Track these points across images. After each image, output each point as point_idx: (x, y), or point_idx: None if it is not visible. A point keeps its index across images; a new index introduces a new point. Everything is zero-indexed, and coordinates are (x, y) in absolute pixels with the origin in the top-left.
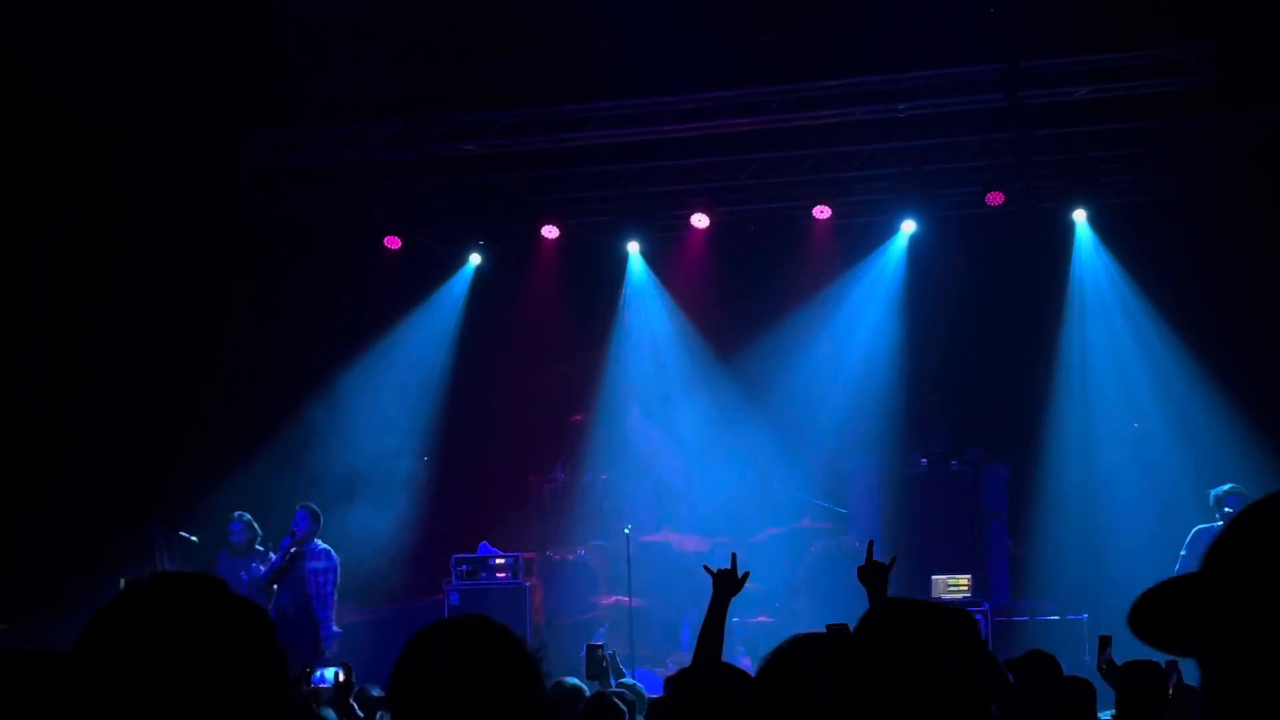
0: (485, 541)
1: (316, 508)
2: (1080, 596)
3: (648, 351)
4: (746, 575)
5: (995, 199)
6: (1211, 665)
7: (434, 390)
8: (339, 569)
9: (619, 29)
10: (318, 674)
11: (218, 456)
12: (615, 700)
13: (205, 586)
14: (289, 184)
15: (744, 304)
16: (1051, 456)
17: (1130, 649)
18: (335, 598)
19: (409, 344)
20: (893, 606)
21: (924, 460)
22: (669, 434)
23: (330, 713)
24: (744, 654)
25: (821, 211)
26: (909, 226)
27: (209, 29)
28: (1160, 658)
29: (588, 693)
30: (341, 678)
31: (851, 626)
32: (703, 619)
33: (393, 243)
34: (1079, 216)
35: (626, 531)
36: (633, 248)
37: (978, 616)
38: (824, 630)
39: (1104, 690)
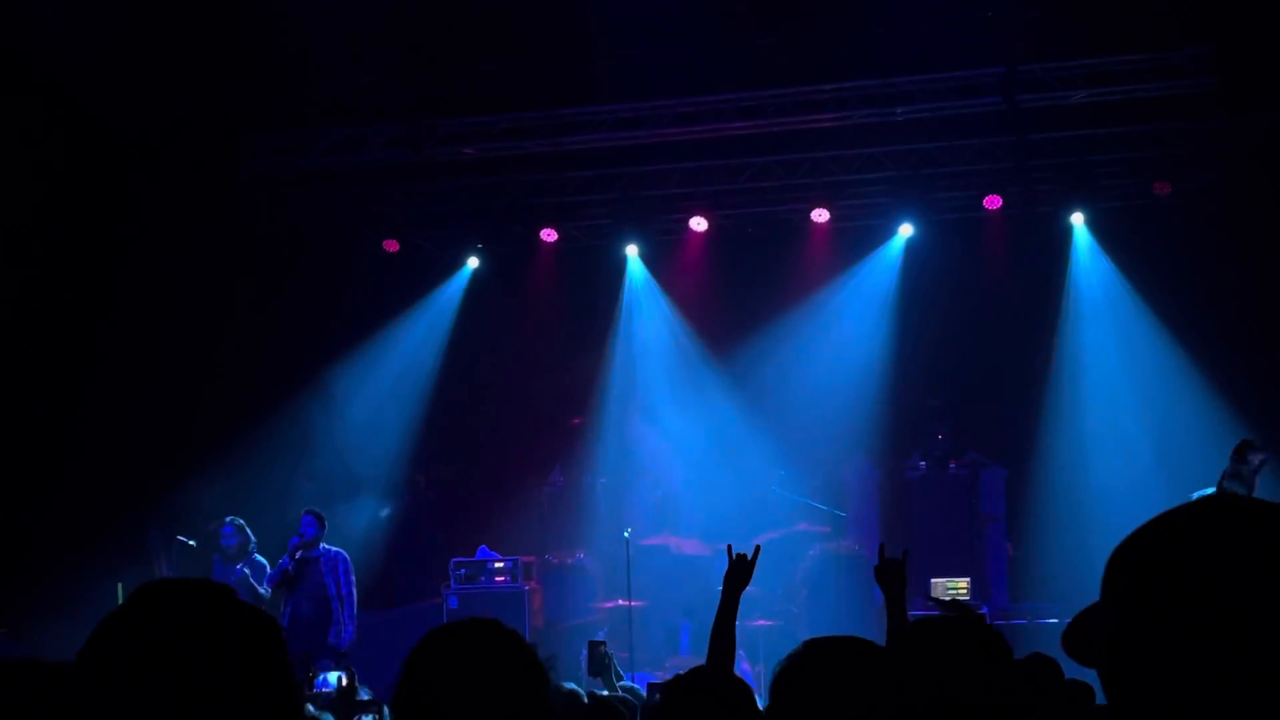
0: (484, 545)
1: (322, 513)
2: (1079, 599)
3: (646, 355)
4: (753, 564)
5: (993, 202)
6: (1104, 682)
7: (432, 394)
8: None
9: (618, 32)
10: (320, 678)
11: (215, 460)
12: (618, 705)
13: (212, 593)
14: (288, 187)
15: (742, 307)
16: (1049, 459)
17: None
18: (355, 598)
19: (407, 347)
20: (930, 623)
21: (922, 463)
22: (668, 437)
23: (329, 717)
24: (744, 658)
25: (820, 215)
26: (906, 230)
27: (209, 32)
28: None
29: (585, 698)
30: (344, 682)
31: (851, 629)
32: (695, 622)
33: (391, 246)
34: (1077, 220)
35: (626, 535)
36: (631, 251)
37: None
38: (826, 634)
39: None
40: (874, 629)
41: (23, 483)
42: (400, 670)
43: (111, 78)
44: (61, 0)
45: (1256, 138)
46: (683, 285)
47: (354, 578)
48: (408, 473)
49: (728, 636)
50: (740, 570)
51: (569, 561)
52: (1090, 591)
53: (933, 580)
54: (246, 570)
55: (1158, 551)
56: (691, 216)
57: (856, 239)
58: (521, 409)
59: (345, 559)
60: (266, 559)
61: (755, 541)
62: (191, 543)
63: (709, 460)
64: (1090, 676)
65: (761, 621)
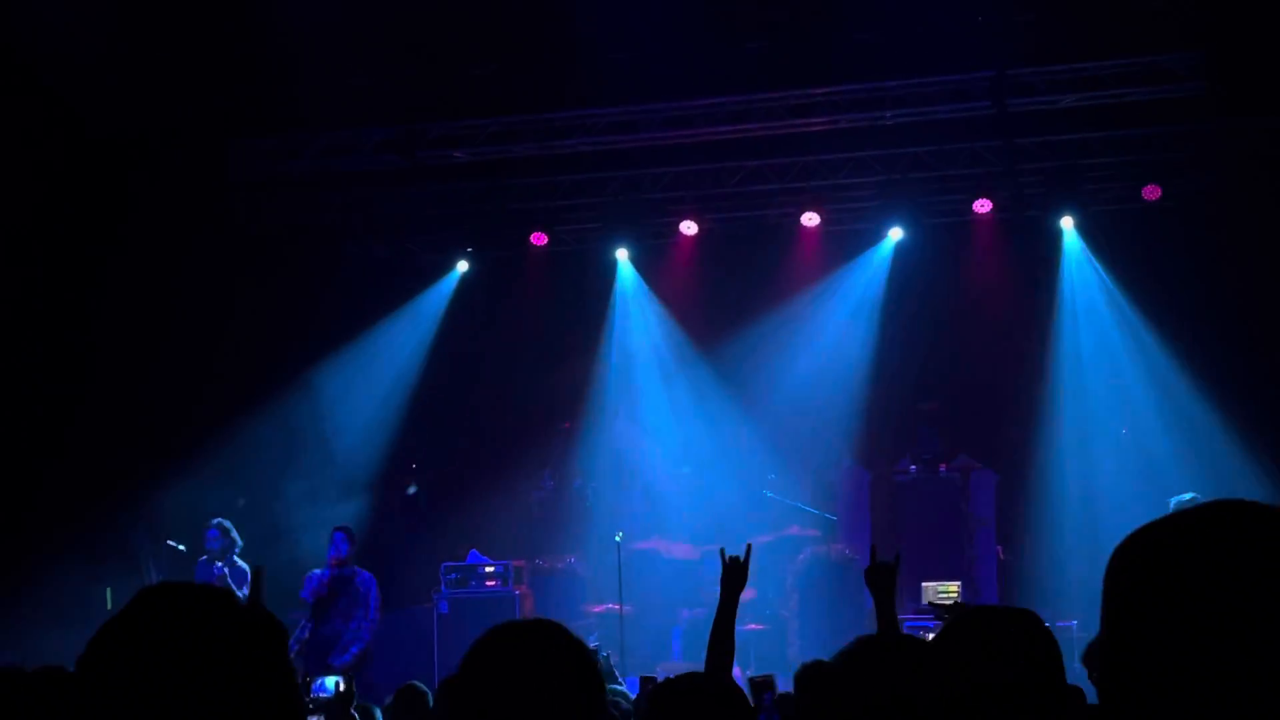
0: (475, 549)
1: (352, 528)
2: (1069, 603)
3: (637, 359)
4: (748, 564)
5: (983, 206)
6: (1100, 683)
7: (422, 398)
8: None
9: (607, 36)
10: (317, 683)
11: (204, 463)
12: (611, 709)
13: (213, 597)
14: (278, 191)
15: (732, 311)
16: (1039, 463)
17: None
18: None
19: (396, 351)
20: (976, 613)
21: (913, 467)
22: (658, 441)
23: None
24: (734, 662)
25: (810, 219)
26: (896, 234)
27: (201, 35)
28: None
29: None
30: (342, 688)
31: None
32: (687, 626)
33: (379, 250)
34: (1066, 224)
35: (618, 539)
36: (621, 255)
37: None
38: (817, 637)
39: (1095, 698)
40: (866, 632)
41: (10, 486)
42: (460, 665)
43: (104, 81)
44: (56, 4)
45: (1246, 143)
46: (673, 289)
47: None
48: (397, 476)
49: (727, 640)
50: (736, 572)
51: (560, 566)
52: (1079, 594)
53: (923, 584)
54: (226, 571)
55: (1157, 553)
56: (682, 220)
57: (846, 243)
58: (512, 413)
59: (375, 584)
60: (248, 564)
61: (746, 543)
62: (181, 547)
63: (699, 464)
64: (1081, 681)
65: (753, 625)
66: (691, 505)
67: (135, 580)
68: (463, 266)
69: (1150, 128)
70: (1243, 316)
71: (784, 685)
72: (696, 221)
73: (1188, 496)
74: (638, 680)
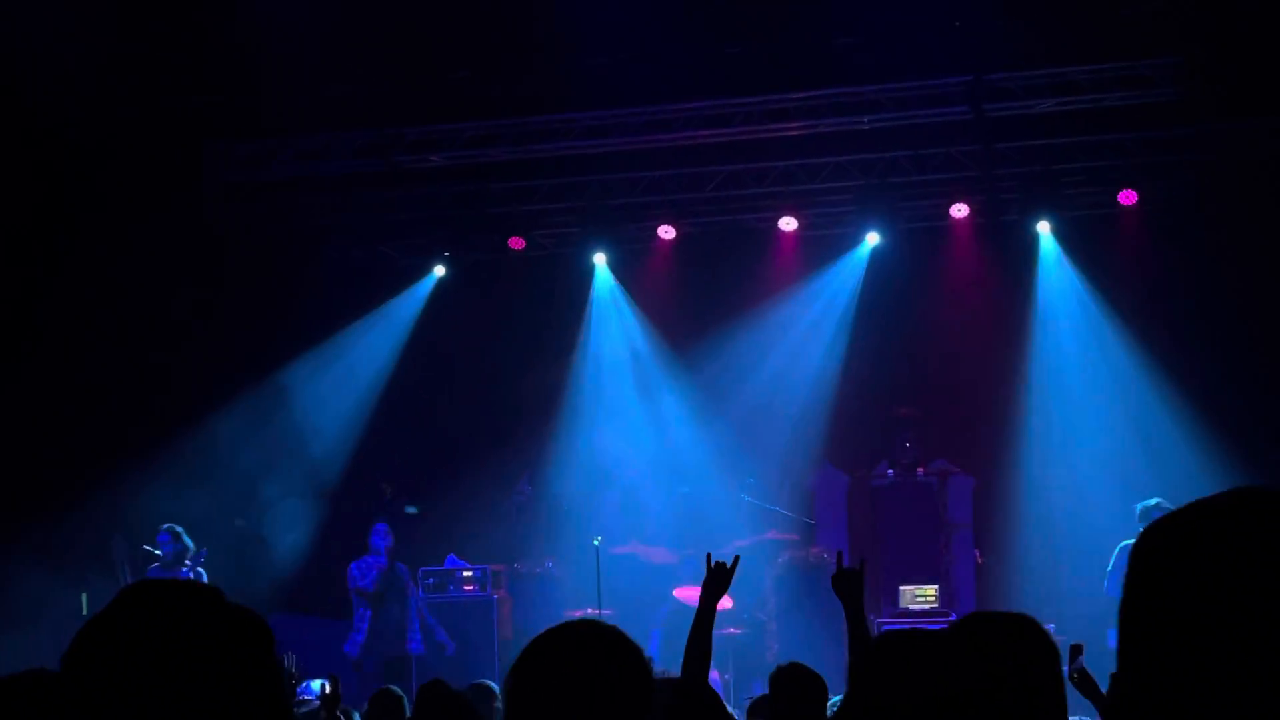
0: (452, 554)
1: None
2: (1046, 606)
3: (614, 363)
4: (733, 573)
5: (960, 211)
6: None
7: (399, 401)
8: None
9: (585, 41)
10: (303, 685)
11: (180, 468)
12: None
13: (200, 593)
14: (255, 196)
15: (710, 315)
16: (1016, 467)
17: (1100, 658)
18: None
19: (372, 356)
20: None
21: (890, 471)
22: (636, 445)
23: None
24: (712, 667)
25: (787, 223)
26: (874, 238)
27: (177, 39)
28: None
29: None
30: (328, 690)
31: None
32: (665, 630)
33: (357, 256)
34: (1043, 229)
35: (596, 543)
36: (599, 259)
37: (943, 626)
38: (796, 642)
39: (1074, 698)
40: (843, 637)
41: None
42: (514, 665)
43: (79, 84)
44: (30, 5)
45: (1220, 148)
46: (651, 293)
47: None
48: (374, 481)
49: (704, 645)
50: (719, 578)
51: (538, 570)
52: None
53: (901, 588)
54: (191, 578)
55: (1184, 539)
56: (659, 225)
57: (824, 247)
58: (489, 417)
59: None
60: (206, 569)
61: (727, 549)
62: (158, 551)
63: (677, 468)
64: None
65: (731, 630)
66: (670, 509)
67: (111, 585)
68: (440, 270)
69: (1126, 133)
70: (1218, 321)
71: (760, 688)
72: (674, 226)
73: (1153, 502)
74: None
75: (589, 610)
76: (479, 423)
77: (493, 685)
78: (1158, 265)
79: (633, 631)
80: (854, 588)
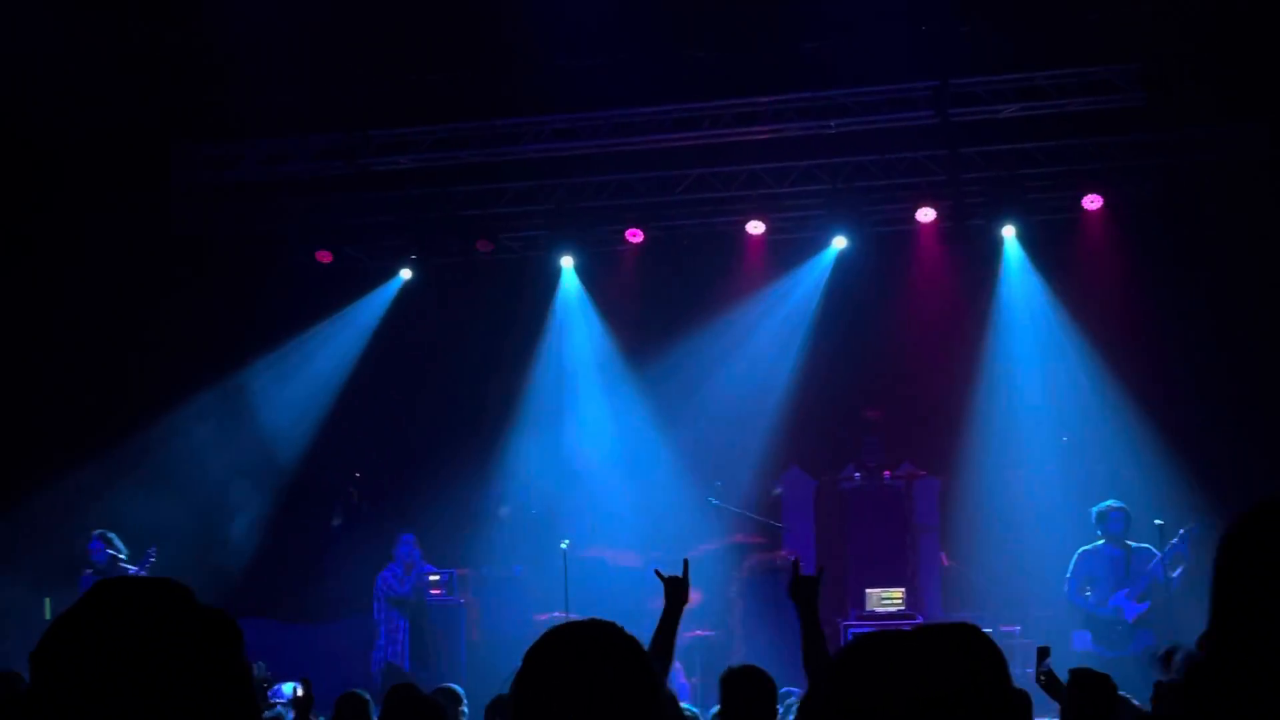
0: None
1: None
2: (1012, 609)
3: (582, 366)
4: (687, 578)
5: (926, 215)
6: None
7: (364, 406)
8: None
9: (554, 44)
10: (274, 688)
11: (142, 473)
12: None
13: (173, 592)
14: (222, 197)
15: (678, 318)
16: (981, 470)
17: (1067, 661)
18: None
19: (340, 359)
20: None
21: (857, 475)
22: (603, 449)
23: None
24: (680, 671)
25: (755, 227)
26: (840, 242)
27: (143, 41)
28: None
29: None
30: (300, 692)
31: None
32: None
33: (324, 257)
34: (1008, 233)
35: (564, 546)
36: (567, 262)
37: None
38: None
39: (1040, 700)
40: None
41: None
42: (519, 668)
43: (46, 84)
44: None
45: (1183, 153)
46: (618, 296)
47: None
48: (340, 485)
49: (667, 648)
50: (677, 588)
51: (505, 574)
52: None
53: (867, 591)
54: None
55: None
56: (628, 228)
57: (791, 251)
58: (456, 420)
59: None
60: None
61: (695, 553)
62: (122, 555)
63: (645, 472)
64: (1027, 685)
65: (699, 632)
66: (637, 513)
67: (75, 592)
68: (407, 273)
69: (1090, 138)
70: (1179, 324)
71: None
72: (643, 229)
73: (1107, 504)
74: None
75: (556, 614)
76: (445, 426)
77: (459, 689)
78: (1121, 269)
79: None
80: (810, 595)
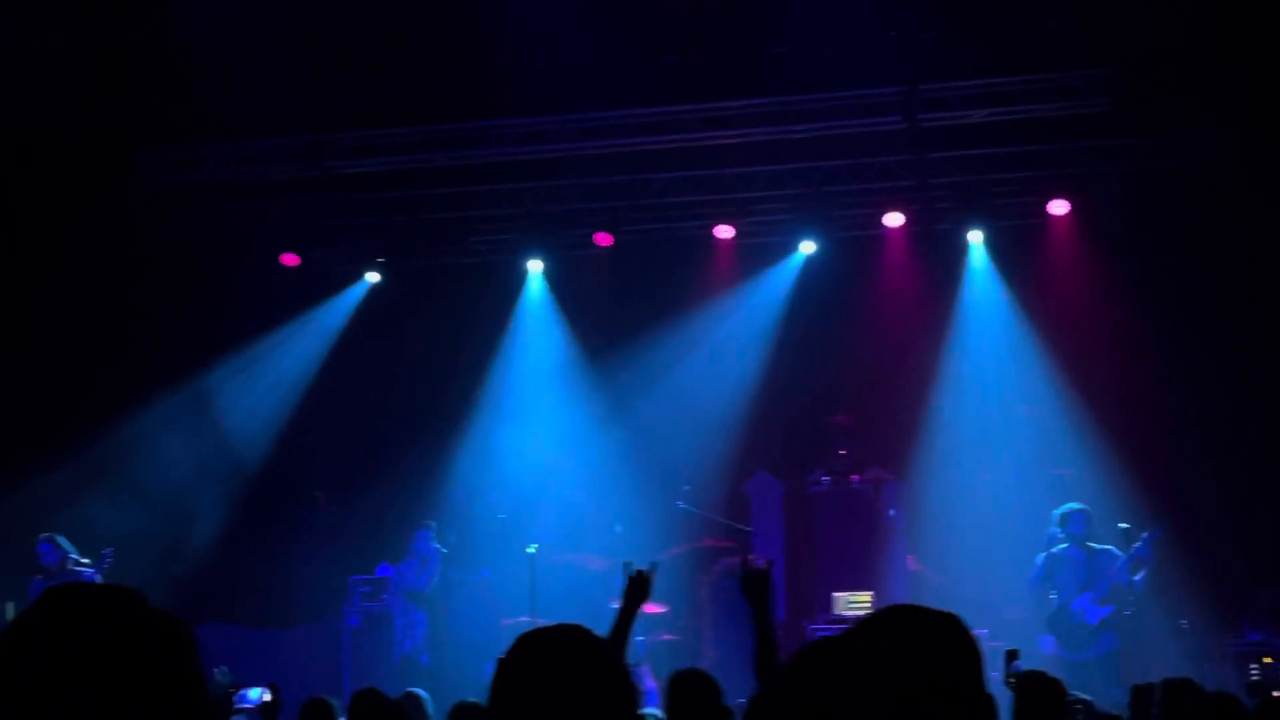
0: (384, 563)
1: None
2: (979, 612)
3: (549, 369)
4: (651, 580)
5: (894, 220)
6: None
7: (330, 409)
8: None
9: (523, 47)
10: (240, 693)
11: (108, 477)
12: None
13: (125, 597)
14: (185, 200)
15: (646, 322)
16: (949, 474)
17: (1032, 664)
18: None
19: (305, 362)
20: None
21: (825, 478)
22: (571, 453)
23: None
24: (648, 674)
25: (723, 231)
26: (809, 247)
27: (106, 42)
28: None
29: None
30: (268, 697)
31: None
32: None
33: (290, 260)
34: (974, 238)
35: (531, 551)
36: (535, 266)
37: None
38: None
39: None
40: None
41: None
42: (494, 674)
43: (6, 85)
44: None
45: (1150, 158)
46: (586, 300)
47: None
48: (306, 488)
49: (619, 647)
50: (639, 587)
51: (472, 578)
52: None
53: (834, 594)
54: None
55: None
56: (596, 232)
57: (760, 256)
58: (422, 424)
59: None
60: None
61: (657, 558)
62: (85, 561)
63: (613, 476)
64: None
65: (666, 636)
66: (605, 517)
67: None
68: (373, 276)
69: (1057, 143)
70: (1143, 329)
71: None
72: (611, 233)
73: (1069, 507)
74: None
75: (523, 619)
76: (412, 430)
77: (423, 694)
78: (1087, 273)
79: None
80: (761, 588)
